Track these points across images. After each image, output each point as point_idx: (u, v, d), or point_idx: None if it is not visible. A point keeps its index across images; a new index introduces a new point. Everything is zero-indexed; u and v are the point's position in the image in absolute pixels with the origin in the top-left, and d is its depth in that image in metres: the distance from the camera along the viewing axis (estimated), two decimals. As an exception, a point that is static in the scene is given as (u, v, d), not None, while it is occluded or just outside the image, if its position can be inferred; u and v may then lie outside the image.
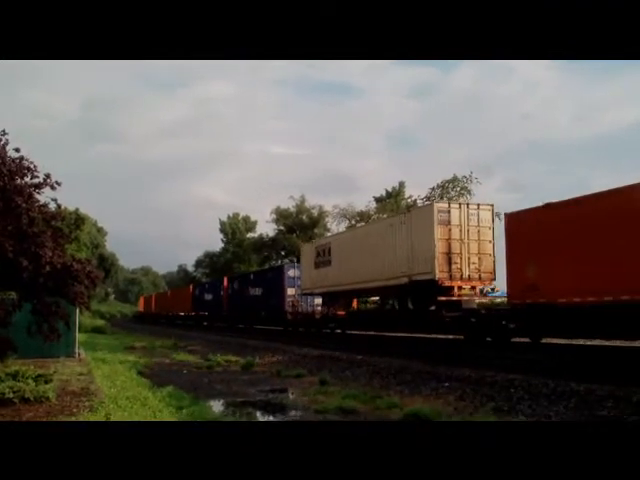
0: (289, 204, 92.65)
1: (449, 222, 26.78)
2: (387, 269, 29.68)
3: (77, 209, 79.20)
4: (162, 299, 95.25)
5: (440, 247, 26.51)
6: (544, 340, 21.98)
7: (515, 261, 21.61)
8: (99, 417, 10.82)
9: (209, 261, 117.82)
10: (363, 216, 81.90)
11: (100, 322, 71.18)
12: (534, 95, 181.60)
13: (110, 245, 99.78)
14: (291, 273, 45.61)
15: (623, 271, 16.90)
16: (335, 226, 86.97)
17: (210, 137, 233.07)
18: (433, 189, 77.09)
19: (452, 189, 75.54)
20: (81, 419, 10.79)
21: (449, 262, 26.61)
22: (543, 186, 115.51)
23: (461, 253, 26.85)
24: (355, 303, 38.49)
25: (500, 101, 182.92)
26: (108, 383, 16.47)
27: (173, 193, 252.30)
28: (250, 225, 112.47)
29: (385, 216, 35.59)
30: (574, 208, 19.38)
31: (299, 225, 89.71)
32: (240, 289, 55.70)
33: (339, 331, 36.76)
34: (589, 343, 21.26)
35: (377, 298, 37.53)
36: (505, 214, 22.68)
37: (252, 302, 51.47)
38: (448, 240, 26.66)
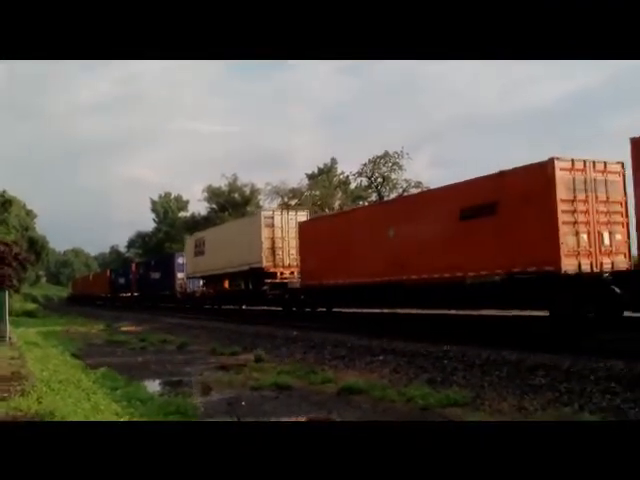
0: (221, 182, 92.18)
1: (273, 225, 37.70)
2: (237, 259, 40.20)
3: (4, 191, 77.68)
4: (86, 282, 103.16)
5: (266, 243, 37.28)
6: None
7: (303, 255, 33.11)
8: (31, 401, 10.66)
9: (141, 241, 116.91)
10: (296, 193, 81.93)
11: (31, 306, 69.91)
12: (462, 71, 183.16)
13: (40, 227, 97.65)
14: (180, 260, 56.12)
15: (358, 264, 26.79)
16: (268, 203, 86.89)
17: (138, 115, 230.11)
18: (365, 165, 77.56)
19: (383, 165, 76.09)
20: (12, 404, 10.64)
21: (274, 254, 37.26)
22: (470, 161, 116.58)
23: (282, 247, 37.36)
24: (226, 284, 46.67)
25: (432, 77, 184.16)
26: (40, 366, 16.18)
27: (103, 173, 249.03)
28: (182, 204, 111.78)
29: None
30: (330, 220, 34.14)
31: (231, 203, 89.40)
32: (145, 273, 65.98)
33: (215, 307, 47.40)
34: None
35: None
36: (298, 223, 35.62)
37: (153, 284, 62.01)
38: (272, 238, 37.43)
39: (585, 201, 19.04)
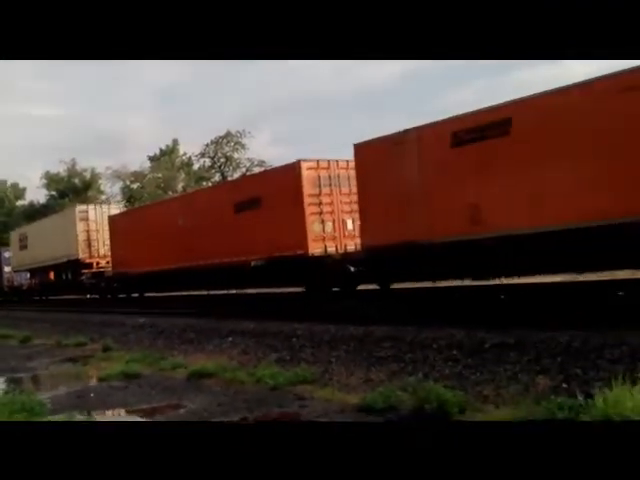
0: (60, 168, 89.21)
1: (88, 218, 40.49)
2: (57, 252, 42.18)
3: None
4: None
5: (82, 236, 39.98)
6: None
7: (113, 246, 36.36)
8: None
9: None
10: (137, 176, 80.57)
11: None
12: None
13: None
14: (7, 255, 56.43)
15: (159, 253, 30.38)
16: (109, 188, 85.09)
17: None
18: (207, 145, 77.13)
19: (226, 144, 75.86)
20: None
21: (89, 246, 40.02)
22: (312, 137, 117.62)
23: (97, 239, 40.09)
24: (52, 275, 46.59)
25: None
26: None
27: None
28: (19, 192, 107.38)
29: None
30: (135, 213, 39.67)
31: (71, 189, 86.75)
32: None
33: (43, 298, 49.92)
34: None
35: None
36: (108, 216, 38.67)
37: None
38: (88, 231, 40.15)
39: (330, 194, 22.83)
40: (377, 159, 19.04)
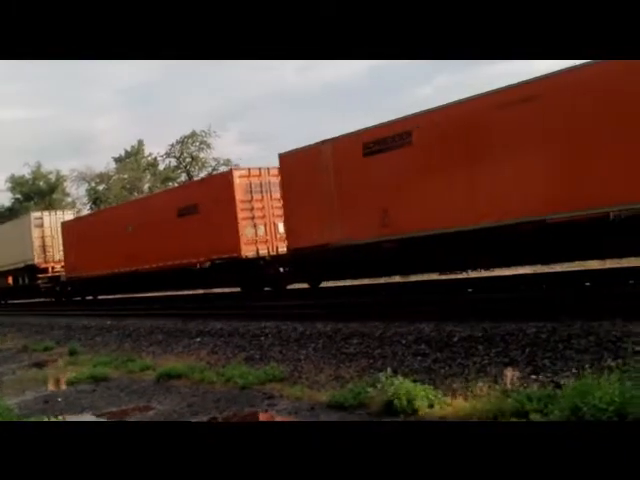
0: (24, 171, 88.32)
1: (43, 225, 42.18)
2: (14, 257, 43.64)
3: None
4: None
5: (37, 242, 41.63)
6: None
7: (66, 251, 38.34)
8: None
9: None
10: (103, 177, 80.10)
11: None
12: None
13: None
14: None
15: (106, 257, 32.40)
16: (75, 190, 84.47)
17: None
18: (172, 145, 76.76)
19: (192, 144, 75.58)
20: None
21: (44, 251, 41.61)
22: (279, 135, 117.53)
23: (52, 245, 41.51)
24: (10, 280, 47.59)
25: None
26: None
27: None
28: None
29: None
30: (86, 219, 41.76)
31: (36, 192, 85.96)
32: None
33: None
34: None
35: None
36: (61, 222, 40.55)
37: None
38: (43, 237, 41.83)
39: (261, 200, 24.70)
40: (299, 168, 21.01)
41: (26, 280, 44.24)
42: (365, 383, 10.15)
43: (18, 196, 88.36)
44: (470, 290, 17.25)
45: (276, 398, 10.77)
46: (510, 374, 9.04)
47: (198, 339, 17.23)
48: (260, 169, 25.31)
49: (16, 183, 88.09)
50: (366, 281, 21.81)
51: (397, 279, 20.98)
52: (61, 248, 40.22)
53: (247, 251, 24.06)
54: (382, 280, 21.34)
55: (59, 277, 40.02)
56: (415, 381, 9.65)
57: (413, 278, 20.51)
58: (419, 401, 8.62)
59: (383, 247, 18.01)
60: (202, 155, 76.26)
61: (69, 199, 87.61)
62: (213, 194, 25.24)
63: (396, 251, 17.74)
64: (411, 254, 17.51)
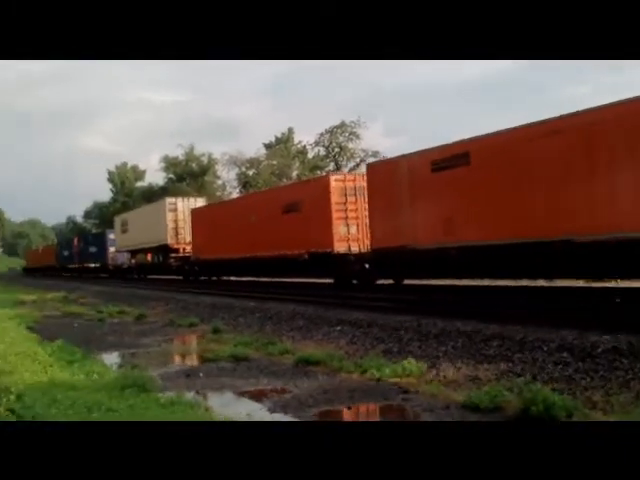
0: (178, 152, 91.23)
1: (176, 209, 46.49)
2: (151, 237, 48.40)
3: (-42, 163, 76.28)
4: (37, 254, 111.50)
5: (170, 225, 46.06)
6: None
7: (194, 235, 43.29)
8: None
9: (98, 212, 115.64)
10: (253, 162, 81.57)
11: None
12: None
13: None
14: (112, 236, 64.18)
15: (230, 243, 36.31)
16: (226, 173, 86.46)
17: (92, 86, 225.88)
18: (322, 134, 77.49)
19: (340, 134, 76.04)
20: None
21: (177, 233, 46.09)
22: (423, 130, 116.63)
23: (184, 228, 45.63)
24: (149, 257, 54.26)
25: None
26: (-5, 340, 16.06)
27: (59, 144, 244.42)
28: (139, 174, 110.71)
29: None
30: (213, 208, 45.63)
31: (189, 173, 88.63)
32: (84, 247, 74.24)
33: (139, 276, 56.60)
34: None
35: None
36: (191, 209, 45.01)
37: (91, 256, 71.31)
38: (176, 220, 46.15)
39: (355, 202, 27.58)
40: (381, 178, 24.34)
41: (160, 258, 50.18)
42: (502, 387, 10.06)
43: (171, 176, 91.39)
44: (618, 300, 16.72)
45: (411, 393, 10.76)
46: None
47: (338, 328, 17.39)
48: (355, 175, 29.57)
49: (170, 163, 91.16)
50: (508, 283, 21.50)
51: (541, 283, 20.63)
52: (188, 231, 44.98)
53: (339, 247, 27.30)
54: (525, 283, 21.05)
55: (189, 257, 44.33)
56: (554, 389, 9.52)
57: (559, 283, 20.11)
58: (557, 410, 8.48)
59: (447, 253, 20.54)
60: (351, 146, 76.69)
61: (219, 182, 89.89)
62: (313, 195, 28.90)
63: (457, 257, 20.19)
64: (469, 260, 19.88)
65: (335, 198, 27.52)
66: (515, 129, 18.42)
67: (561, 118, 17.01)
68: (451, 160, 20.52)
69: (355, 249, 27.20)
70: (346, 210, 27.58)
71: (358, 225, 27.47)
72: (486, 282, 22.12)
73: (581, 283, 19.53)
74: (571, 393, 9.68)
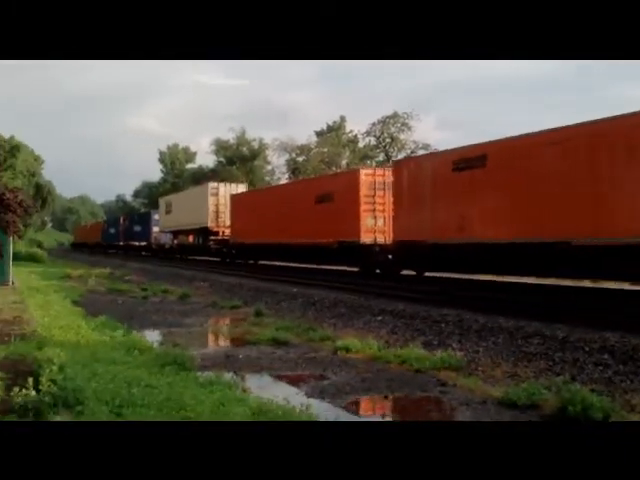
0: (229, 136, 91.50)
1: (218, 194, 48.01)
2: (194, 219, 50.19)
3: (12, 137, 77.36)
4: (84, 230, 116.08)
5: (212, 208, 47.70)
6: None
7: (233, 220, 44.84)
8: (31, 346, 10.80)
9: (147, 191, 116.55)
10: (303, 149, 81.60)
11: (36, 251, 70.18)
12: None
13: (47, 174, 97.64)
14: (156, 217, 66.25)
15: (266, 228, 37.45)
16: (276, 159, 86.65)
17: (144, 67, 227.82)
18: (374, 124, 77.22)
19: (392, 125, 75.73)
20: (12, 347, 10.77)
21: (217, 217, 47.66)
22: (474, 123, 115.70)
23: (225, 212, 46.91)
24: (191, 238, 55.85)
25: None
26: (41, 312, 16.30)
27: (111, 123, 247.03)
28: (189, 156, 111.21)
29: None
30: (251, 195, 47.88)
31: (239, 157, 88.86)
32: (130, 225, 76.72)
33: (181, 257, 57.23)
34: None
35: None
36: (230, 195, 46.47)
37: (136, 235, 73.13)
38: (217, 204, 47.78)
39: (383, 196, 28.53)
40: (406, 174, 25.45)
41: (201, 240, 51.62)
42: (541, 385, 10.01)
43: (222, 159, 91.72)
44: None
45: (449, 386, 10.74)
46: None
47: (379, 317, 17.44)
48: (384, 169, 30.54)
49: (220, 147, 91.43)
50: (552, 281, 21.31)
51: (587, 283, 20.46)
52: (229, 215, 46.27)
53: (365, 238, 28.47)
54: (569, 282, 20.85)
55: (227, 240, 45.75)
56: (593, 390, 9.44)
57: (604, 284, 19.92)
58: (594, 411, 8.41)
59: (463, 249, 21.83)
60: (402, 137, 76.36)
61: (269, 167, 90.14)
62: (343, 187, 30.30)
63: (472, 253, 21.46)
64: (480, 255, 21.16)
65: (364, 191, 28.72)
66: (527, 135, 19.47)
67: (567, 128, 17.99)
68: (469, 161, 21.47)
69: (381, 240, 28.29)
70: (374, 203, 28.74)
71: (385, 218, 28.48)
72: (531, 280, 21.89)
73: (627, 286, 19.25)
74: (610, 395, 9.61)
